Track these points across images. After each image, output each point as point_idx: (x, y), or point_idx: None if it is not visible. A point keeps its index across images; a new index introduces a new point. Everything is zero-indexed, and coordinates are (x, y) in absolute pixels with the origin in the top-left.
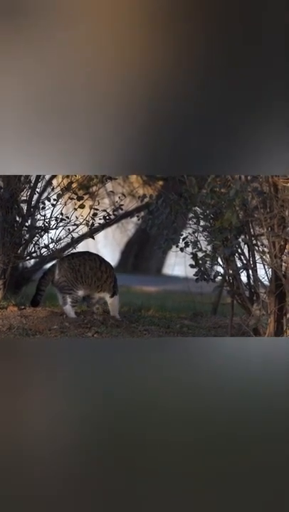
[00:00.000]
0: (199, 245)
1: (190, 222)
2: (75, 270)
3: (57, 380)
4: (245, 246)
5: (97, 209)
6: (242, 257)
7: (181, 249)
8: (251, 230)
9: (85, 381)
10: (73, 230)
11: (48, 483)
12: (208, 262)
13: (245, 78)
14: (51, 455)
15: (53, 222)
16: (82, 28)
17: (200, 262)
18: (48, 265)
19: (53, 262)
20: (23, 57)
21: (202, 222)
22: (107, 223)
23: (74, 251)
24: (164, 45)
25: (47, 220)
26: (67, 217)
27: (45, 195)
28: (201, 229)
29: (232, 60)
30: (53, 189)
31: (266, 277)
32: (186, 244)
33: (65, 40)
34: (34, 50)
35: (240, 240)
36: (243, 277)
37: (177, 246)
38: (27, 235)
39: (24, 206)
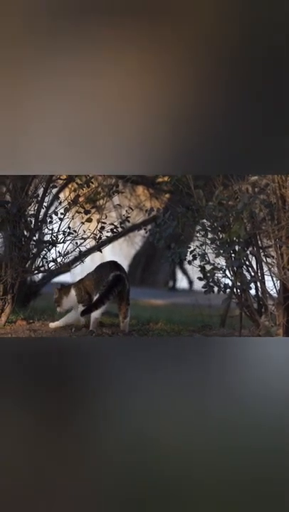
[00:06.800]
0: (207, 258)
1: (198, 234)
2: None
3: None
4: (253, 258)
5: (104, 222)
6: (250, 269)
7: (189, 262)
8: (259, 242)
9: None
10: (81, 244)
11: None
12: (215, 275)
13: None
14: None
15: (60, 236)
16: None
17: (208, 274)
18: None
19: (115, 273)
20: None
21: (210, 235)
22: (115, 236)
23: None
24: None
25: (54, 234)
26: (75, 231)
27: (52, 209)
28: (208, 241)
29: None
30: (60, 203)
31: (274, 289)
32: (194, 257)
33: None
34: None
35: (248, 252)
36: (252, 289)
37: (185, 259)
38: (35, 249)
39: (32, 220)
